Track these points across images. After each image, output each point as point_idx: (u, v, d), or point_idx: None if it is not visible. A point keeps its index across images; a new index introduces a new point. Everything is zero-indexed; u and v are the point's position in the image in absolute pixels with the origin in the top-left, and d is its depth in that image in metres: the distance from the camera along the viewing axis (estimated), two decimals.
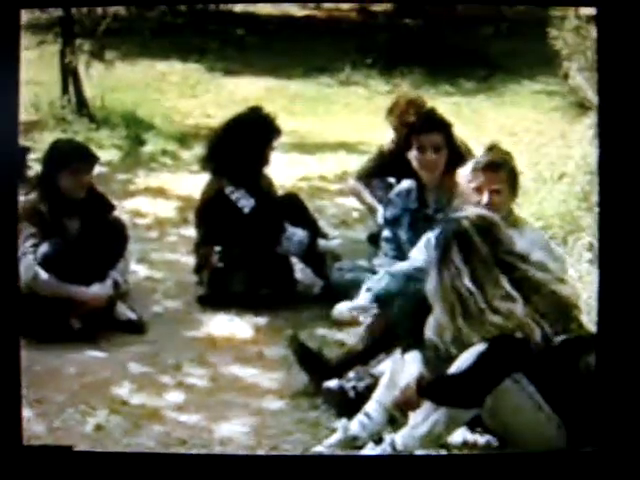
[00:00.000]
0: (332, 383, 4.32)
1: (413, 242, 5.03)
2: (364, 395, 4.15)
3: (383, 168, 5.94)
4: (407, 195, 5.15)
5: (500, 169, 4.52)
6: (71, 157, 5.11)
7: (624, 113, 3.46)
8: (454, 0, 4.67)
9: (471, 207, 4.35)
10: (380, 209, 5.69)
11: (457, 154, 5.12)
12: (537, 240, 4.41)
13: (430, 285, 3.91)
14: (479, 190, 4.51)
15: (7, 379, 3.52)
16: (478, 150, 5.15)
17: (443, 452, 3.86)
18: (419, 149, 5.03)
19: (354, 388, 4.27)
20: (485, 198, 4.47)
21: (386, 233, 5.24)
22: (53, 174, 5.06)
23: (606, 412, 3.55)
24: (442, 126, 5.11)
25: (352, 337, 4.73)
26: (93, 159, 5.22)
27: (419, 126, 5.10)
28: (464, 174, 4.95)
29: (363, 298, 4.65)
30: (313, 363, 4.52)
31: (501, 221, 4.00)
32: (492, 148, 4.64)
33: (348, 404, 4.19)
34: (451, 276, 3.81)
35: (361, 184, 6.08)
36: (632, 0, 3.45)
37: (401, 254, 5.11)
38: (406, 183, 5.19)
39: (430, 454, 3.76)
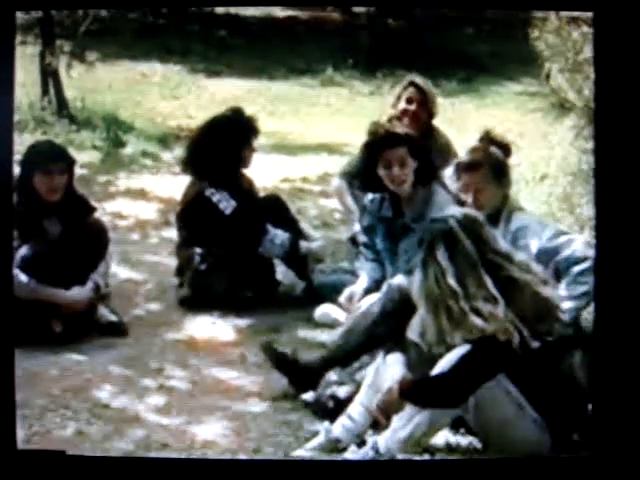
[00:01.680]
0: (308, 395, 4.31)
1: (390, 251, 5.02)
2: (345, 403, 4.13)
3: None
4: (381, 203, 5.12)
5: (480, 168, 4.54)
6: (44, 159, 5.06)
7: (620, 116, 3.47)
8: (443, 3, 4.66)
9: (456, 207, 4.36)
10: (357, 213, 5.70)
11: (428, 163, 5.08)
12: (531, 219, 4.46)
13: (415, 285, 3.90)
14: (464, 189, 4.54)
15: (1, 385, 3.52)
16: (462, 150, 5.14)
17: (426, 454, 3.86)
18: (385, 165, 4.98)
19: (332, 397, 4.24)
20: (469, 198, 4.50)
21: (363, 239, 5.24)
22: (29, 176, 5.01)
23: (597, 414, 3.57)
24: (405, 140, 5.04)
25: (333, 339, 4.71)
26: (66, 161, 5.13)
27: (382, 142, 5.03)
28: (448, 175, 4.96)
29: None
30: (290, 368, 4.49)
31: (486, 220, 4.00)
32: (482, 140, 4.67)
33: (327, 414, 4.16)
34: (436, 275, 3.79)
35: (345, 183, 6.06)
36: (628, 4, 3.46)
37: (379, 259, 5.10)
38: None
39: (415, 459, 3.75)
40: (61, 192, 5.06)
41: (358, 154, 5.84)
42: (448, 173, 5.02)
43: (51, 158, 5.08)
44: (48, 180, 5.03)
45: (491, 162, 4.58)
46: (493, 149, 4.64)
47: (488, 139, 4.73)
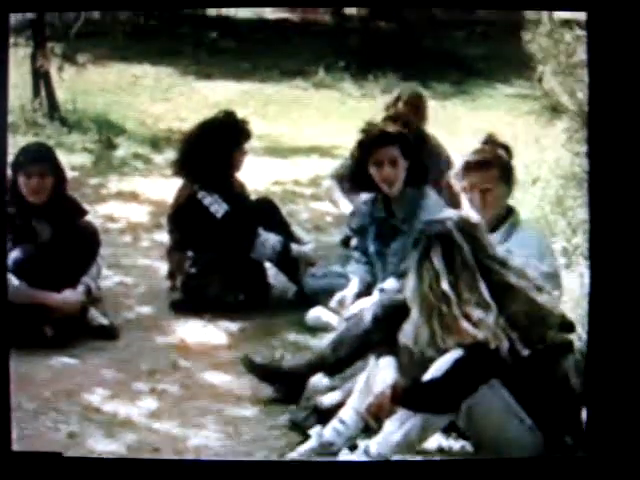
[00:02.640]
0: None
1: (380, 253, 5.02)
2: (332, 410, 4.10)
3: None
4: (373, 204, 5.12)
5: (490, 167, 4.49)
6: (25, 160, 5.03)
7: (614, 118, 3.48)
8: (439, 4, 4.66)
9: (452, 210, 4.33)
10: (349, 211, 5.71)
11: (420, 164, 5.08)
12: (533, 241, 4.42)
13: (409, 287, 3.87)
14: (471, 189, 4.47)
15: None
16: (454, 154, 5.13)
17: (418, 458, 3.85)
18: (376, 164, 4.99)
19: (316, 410, 4.20)
20: (477, 197, 4.44)
21: (354, 241, 5.24)
22: (15, 178, 4.99)
23: (591, 418, 3.57)
24: (397, 139, 5.04)
25: (323, 345, 4.69)
26: (47, 163, 5.10)
27: (374, 141, 5.03)
28: (454, 173, 4.93)
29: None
30: (274, 377, 4.48)
31: (484, 224, 3.97)
32: (485, 143, 4.64)
33: (309, 427, 4.12)
34: (430, 279, 3.78)
35: (336, 184, 6.05)
36: (621, 4, 3.46)
37: (370, 262, 5.09)
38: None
39: (406, 460, 3.74)
40: (45, 194, 5.03)
41: (349, 156, 5.85)
42: (453, 172, 4.99)
43: (31, 160, 5.05)
44: (28, 182, 5.01)
45: (500, 162, 4.55)
46: (500, 151, 4.62)
47: (492, 142, 4.69)
